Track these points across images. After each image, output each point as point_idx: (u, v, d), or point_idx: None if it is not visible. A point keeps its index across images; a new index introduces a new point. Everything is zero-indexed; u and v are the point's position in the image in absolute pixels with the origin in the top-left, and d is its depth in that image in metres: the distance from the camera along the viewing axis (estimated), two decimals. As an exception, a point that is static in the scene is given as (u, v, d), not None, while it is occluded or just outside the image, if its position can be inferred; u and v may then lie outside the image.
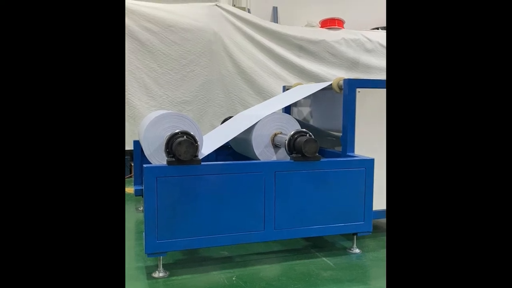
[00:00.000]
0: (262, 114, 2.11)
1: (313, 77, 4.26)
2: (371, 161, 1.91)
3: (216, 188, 1.68)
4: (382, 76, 4.51)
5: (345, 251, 1.98)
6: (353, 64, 4.48)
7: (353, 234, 1.96)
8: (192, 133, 1.74)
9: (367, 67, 4.53)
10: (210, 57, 3.95)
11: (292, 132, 1.87)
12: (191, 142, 1.62)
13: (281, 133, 2.07)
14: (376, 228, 2.33)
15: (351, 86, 2.05)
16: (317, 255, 1.93)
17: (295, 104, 2.90)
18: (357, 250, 1.96)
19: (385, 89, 2.10)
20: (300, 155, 1.80)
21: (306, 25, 4.69)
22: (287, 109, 2.84)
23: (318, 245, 2.05)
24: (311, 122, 2.77)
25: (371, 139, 2.10)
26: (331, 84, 2.18)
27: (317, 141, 1.81)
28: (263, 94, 4.08)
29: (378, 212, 2.13)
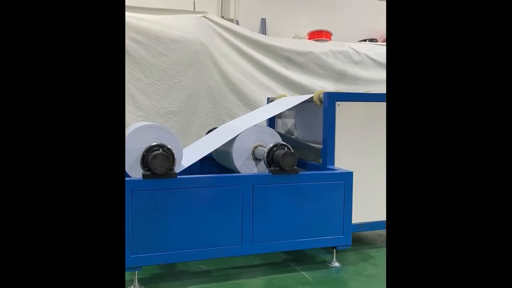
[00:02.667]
0: (243, 126, 2.11)
1: (300, 88, 4.28)
2: (350, 174, 1.92)
3: (193, 201, 1.67)
4: (369, 87, 4.55)
5: (325, 264, 1.97)
6: (340, 75, 4.51)
7: (333, 247, 1.95)
8: (169, 146, 1.73)
9: (355, 79, 4.56)
10: (197, 68, 3.95)
11: (271, 145, 1.88)
12: (167, 155, 1.61)
13: (261, 145, 2.07)
14: (358, 241, 2.32)
15: (331, 99, 2.06)
16: (296, 269, 1.91)
17: (279, 116, 2.90)
18: (337, 264, 1.95)
19: (363, 103, 2.12)
20: (278, 168, 1.79)
21: (294, 37, 4.73)
22: (271, 121, 2.85)
23: (298, 258, 2.04)
24: (295, 134, 2.78)
25: (351, 152, 2.11)
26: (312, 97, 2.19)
27: (295, 154, 1.81)
28: (250, 105, 4.08)
29: (358, 225, 2.13)
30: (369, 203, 2.16)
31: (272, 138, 2.09)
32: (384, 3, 5.49)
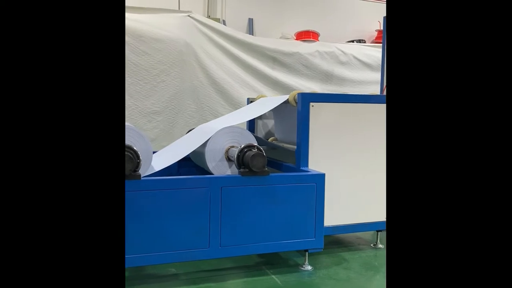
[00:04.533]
0: (217, 127, 2.08)
1: (286, 89, 4.26)
2: (322, 176, 1.89)
3: (159, 204, 1.64)
4: (356, 88, 4.53)
5: (297, 268, 1.94)
6: (327, 76, 4.49)
7: (305, 250, 1.92)
8: (136, 147, 1.70)
9: (341, 80, 4.54)
10: (181, 68, 3.92)
11: (242, 146, 1.85)
12: (130, 156, 1.58)
13: (235, 147, 2.04)
14: (335, 243, 2.30)
15: (305, 100, 2.03)
16: (267, 272, 1.88)
17: (260, 117, 2.87)
18: (309, 267, 1.93)
19: (338, 103, 2.10)
20: (247, 170, 1.76)
21: (280, 37, 4.70)
22: (251, 122, 2.82)
23: (270, 261, 2.01)
24: (276, 135, 2.75)
25: (326, 153, 2.08)
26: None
27: (265, 155, 1.78)
28: (235, 105, 4.05)
29: (331, 228, 2.11)
30: (344, 206, 2.14)
31: (246, 139, 2.06)
32: (374, 4, 5.48)
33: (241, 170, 1.78)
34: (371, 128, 2.16)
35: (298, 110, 2.05)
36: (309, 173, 1.91)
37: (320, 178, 1.88)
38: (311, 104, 2.04)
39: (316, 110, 2.06)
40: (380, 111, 2.16)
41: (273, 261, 2.01)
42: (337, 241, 2.35)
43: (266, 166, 1.79)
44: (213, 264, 1.93)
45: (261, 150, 1.82)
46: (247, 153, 1.79)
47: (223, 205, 1.72)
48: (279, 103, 2.21)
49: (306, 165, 2.05)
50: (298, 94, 2.05)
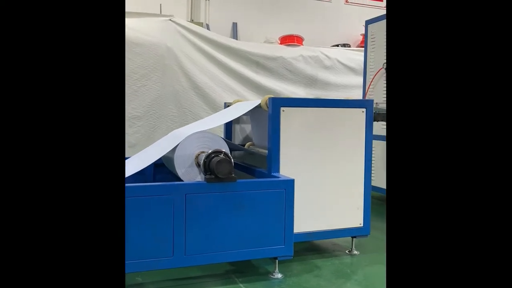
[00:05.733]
0: (188, 132, 2.04)
1: (270, 93, 4.23)
2: (291, 181, 1.86)
3: (120, 211, 1.59)
4: (341, 92, 4.52)
5: (267, 276, 1.90)
6: (311, 81, 4.48)
7: (274, 258, 1.88)
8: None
9: (326, 84, 4.54)
10: (162, 72, 3.88)
11: (209, 152, 1.81)
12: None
13: (205, 152, 2.00)
14: (310, 250, 2.26)
15: (276, 105, 2.00)
16: (235, 280, 1.84)
17: (237, 121, 2.84)
18: (279, 275, 1.89)
19: (310, 108, 2.07)
20: (213, 176, 1.73)
21: (264, 42, 4.69)
22: (229, 127, 2.78)
23: (240, 269, 1.97)
24: (253, 140, 2.72)
25: (297, 158, 2.05)
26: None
27: (232, 161, 1.75)
28: (218, 110, 4.01)
29: (304, 235, 2.07)
30: (317, 211, 2.11)
31: (216, 145, 2.02)
32: (359, 8, 5.49)
33: (207, 176, 1.74)
34: (344, 132, 2.14)
35: (269, 115, 2.02)
36: (277, 179, 1.88)
37: (289, 184, 1.85)
38: (282, 108, 2.01)
39: (287, 114, 2.03)
40: (352, 115, 2.14)
41: (244, 269, 1.97)
42: (313, 247, 2.31)
43: (233, 172, 1.76)
44: (181, 272, 1.89)
45: (228, 156, 1.78)
46: (213, 159, 1.75)
47: (187, 212, 1.68)
48: (251, 108, 2.18)
49: (277, 170, 2.01)
50: (269, 98, 2.02)
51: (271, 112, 2.00)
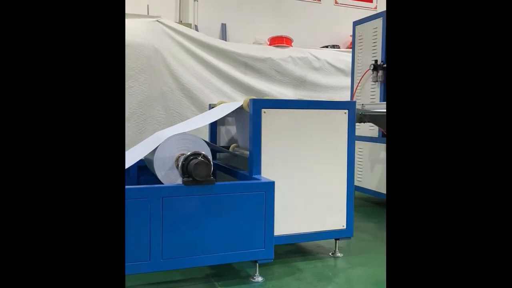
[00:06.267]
0: (170, 134, 2.02)
1: (259, 95, 4.22)
2: (271, 184, 1.84)
3: (95, 215, 1.56)
4: (330, 93, 4.51)
5: (247, 279, 1.88)
6: (300, 82, 4.47)
7: (254, 261, 1.86)
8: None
9: (315, 85, 4.53)
10: (150, 74, 3.85)
11: (187, 154, 1.79)
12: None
13: (185, 154, 1.98)
14: (292, 252, 2.25)
15: (256, 106, 1.98)
16: (214, 284, 1.82)
17: (222, 123, 2.82)
18: (260, 279, 1.87)
19: (291, 110, 2.05)
20: (191, 179, 1.70)
21: (253, 43, 4.67)
22: (213, 129, 2.76)
23: (221, 273, 1.94)
24: (238, 142, 2.70)
25: (279, 160, 2.03)
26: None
27: (211, 164, 1.73)
28: (206, 111, 3.99)
29: (286, 237, 2.06)
30: (300, 214, 2.09)
31: (197, 147, 2.00)
32: (348, 10, 5.50)
33: (184, 179, 1.71)
34: (326, 134, 2.12)
35: (250, 117, 2.00)
36: (257, 181, 1.86)
37: (269, 186, 1.83)
38: (263, 110, 2.00)
39: (269, 116, 2.01)
40: (335, 117, 2.13)
41: (224, 273, 1.94)
42: (297, 250, 2.30)
43: (211, 175, 1.74)
44: (161, 276, 1.86)
45: (207, 158, 1.76)
46: (191, 161, 1.73)
47: (165, 216, 1.66)
48: (233, 109, 2.16)
49: (259, 172, 1.99)
50: (250, 100, 2.01)
51: (252, 113, 1.98)
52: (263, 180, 1.86)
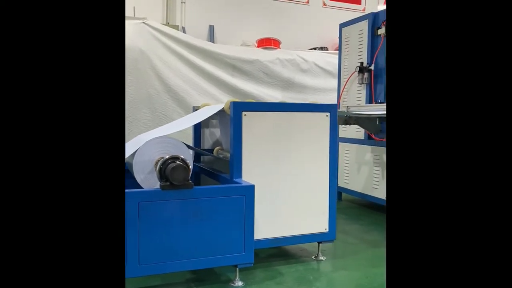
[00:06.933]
0: (150, 137, 2.00)
1: (247, 96, 4.21)
2: (251, 187, 1.82)
3: (69, 221, 1.54)
4: (318, 95, 4.51)
5: (228, 284, 1.86)
6: (288, 84, 4.47)
7: (234, 266, 1.84)
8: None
9: (303, 87, 4.52)
10: (136, 76, 3.82)
11: (166, 158, 1.76)
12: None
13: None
14: (274, 256, 2.23)
15: (237, 109, 1.97)
16: (194, 290, 1.80)
17: (206, 126, 2.80)
18: (240, 283, 1.85)
19: (272, 112, 2.04)
20: (168, 183, 1.68)
21: (241, 45, 4.66)
22: (197, 131, 2.74)
23: (202, 277, 1.92)
24: (222, 145, 2.68)
25: (260, 163, 2.02)
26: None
27: (188, 167, 1.71)
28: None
29: (268, 241, 2.04)
30: (282, 217, 2.07)
31: (178, 150, 1.98)
32: (336, 12, 5.51)
33: (162, 183, 1.69)
34: (308, 137, 2.11)
35: (231, 119, 1.99)
36: (236, 185, 1.84)
37: (249, 190, 1.81)
38: (244, 113, 1.98)
39: (250, 119, 1.99)
40: (316, 119, 2.12)
41: (205, 277, 1.92)
42: (280, 253, 2.28)
43: (189, 179, 1.72)
44: (141, 281, 1.84)
45: (185, 162, 1.74)
46: (169, 165, 1.71)
47: (141, 221, 1.63)
48: (214, 112, 2.14)
49: (240, 176, 1.98)
50: (231, 103, 1.99)
51: (232, 116, 1.97)
52: (242, 184, 1.84)
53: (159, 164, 1.77)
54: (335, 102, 3.71)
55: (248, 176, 1.99)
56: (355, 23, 3.49)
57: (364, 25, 3.35)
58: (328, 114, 2.13)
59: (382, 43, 3.16)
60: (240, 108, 1.98)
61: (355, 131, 3.45)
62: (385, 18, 3.14)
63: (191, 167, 1.77)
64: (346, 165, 3.52)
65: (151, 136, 2.04)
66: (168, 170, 1.68)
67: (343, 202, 3.64)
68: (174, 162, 1.72)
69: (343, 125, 3.38)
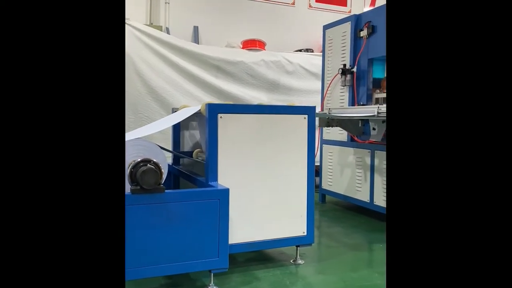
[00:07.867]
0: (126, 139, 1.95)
1: (231, 98, 4.18)
2: (225, 191, 1.79)
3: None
4: (303, 97, 4.50)
5: (202, 289, 1.82)
6: (273, 85, 4.45)
7: (209, 271, 1.81)
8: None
9: (288, 89, 4.51)
10: (117, 77, 3.76)
11: (137, 161, 1.72)
12: None
13: (139, 161, 1.91)
14: (253, 260, 2.20)
15: (212, 111, 1.94)
16: (167, 296, 1.76)
17: (186, 128, 2.76)
18: (214, 289, 1.81)
19: (248, 115, 2.01)
20: (138, 187, 1.64)
21: (226, 46, 4.63)
22: (176, 133, 2.70)
23: (177, 282, 1.88)
24: (202, 147, 2.65)
25: (236, 167, 1.99)
26: (201, 109, 2.06)
27: (159, 171, 1.67)
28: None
29: (242, 245, 2.01)
30: (260, 221, 2.04)
31: (151, 153, 1.93)
32: (321, 13, 5.51)
33: (132, 187, 1.65)
34: (286, 139, 2.09)
35: (206, 122, 1.95)
36: (210, 188, 1.81)
37: (223, 194, 1.78)
38: (220, 115, 1.95)
39: (225, 121, 1.96)
40: (294, 122, 2.10)
41: (180, 282, 1.88)
42: (259, 257, 2.25)
43: (161, 183, 1.68)
44: None
45: (157, 166, 1.70)
46: (140, 169, 1.66)
47: (111, 225, 1.59)
48: (191, 114, 2.11)
49: (215, 179, 1.94)
50: (206, 105, 1.96)
51: (208, 118, 1.93)
52: (216, 188, 1.81)
53: (129, 167, 1.73)
54: (319, 104, 3.70)
55: (224, 179, 1.95)
56: (338, 25, 3.48)
57: (347, 27, 3.34)
58: (306, 116, 2.11)
59: (364, 45, 3.15)
60: (216, 110, 1.95)
61: (338, 133, 3.44)
62: (368, 20, 3.14)
63: (164, 170, 1.73)
64: (330, 167, 3.51)
65: (127, 139, 1.99)
66: (138, 173, 1.64)
67: (326, 204, 3.63)
68: (145, 165, 1.68)
69: (326, 127, 3.36)
